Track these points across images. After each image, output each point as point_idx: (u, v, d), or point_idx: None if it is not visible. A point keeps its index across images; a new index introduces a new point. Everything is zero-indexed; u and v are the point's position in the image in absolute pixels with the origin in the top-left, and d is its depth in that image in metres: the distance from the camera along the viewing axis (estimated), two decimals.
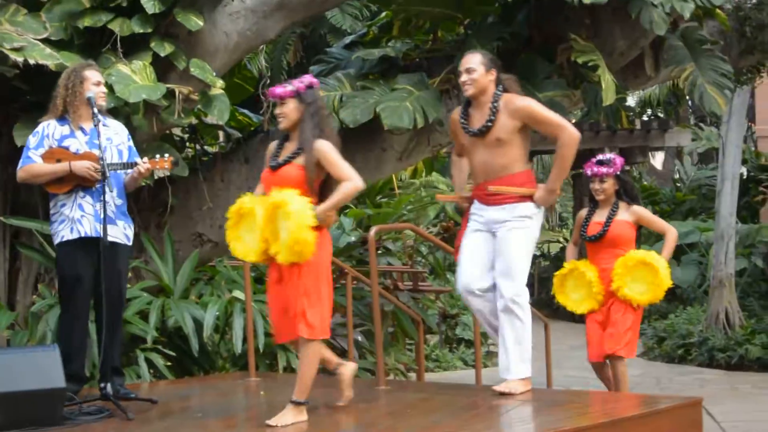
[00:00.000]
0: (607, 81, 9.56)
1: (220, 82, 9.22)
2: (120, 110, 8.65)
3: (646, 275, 8.09)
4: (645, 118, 23.99)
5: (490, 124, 6.78)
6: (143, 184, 7.13)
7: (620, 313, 8.14)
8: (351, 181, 6.29)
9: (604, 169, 8.18)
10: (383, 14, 12.04)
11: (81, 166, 6.85)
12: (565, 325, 16.82)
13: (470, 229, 7.06)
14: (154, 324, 8.53)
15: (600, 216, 8.28)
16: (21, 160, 7.07)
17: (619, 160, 8.28)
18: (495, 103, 6.79)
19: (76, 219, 6.92)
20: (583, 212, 8.46)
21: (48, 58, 8.34)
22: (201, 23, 9.07)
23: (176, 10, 8.96)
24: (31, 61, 8.28)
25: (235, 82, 10.66)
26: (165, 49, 8.95)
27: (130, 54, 8.94)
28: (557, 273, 8.44)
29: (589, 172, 8.25)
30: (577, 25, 10.19)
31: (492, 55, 7.15)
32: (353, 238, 12.10)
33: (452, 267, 14.45)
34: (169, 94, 8.88)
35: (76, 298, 7.09)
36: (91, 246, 6.96)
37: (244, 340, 8.67)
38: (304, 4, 9.99)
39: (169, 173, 7.38)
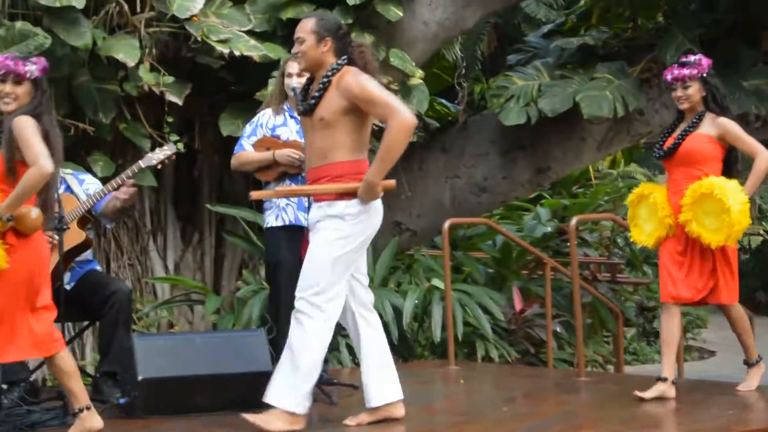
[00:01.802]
0: None
1: (419, 72, 9.27)
2: None
3: (715, 208, 6.40)
4: None
5: (313, 101, 5.66)
6: None
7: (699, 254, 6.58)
8: (35, 166, 5.04)
9: (686, 71, 6.64)
10: (581, 3, 11.92)
11: (283, 154, 6.95)
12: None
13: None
14: None
15: (680, 129, 6.79)
16: (235, 148, 7.24)
17: (705, 61, 6.71)
18: (326, 78, 5.65)
19: (281, 206, 7.04)
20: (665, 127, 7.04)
21: (252, 49, 8.54)
22: (400, 13, 9.14)
23: (376, 0, 9.05)
24: (236, 53, 8.51)
25: (433, 72, 10.71)
26: (365, 40, 9.04)
27: None
28: (628, 200, 6.97)
29: (669, 77, 6.72)
30: None
31: (333, 18, 6.09)
32: (549, 229, 12.01)
33: (649, 259, 14.21)
34: None
35: (278, 282, 7.23)
36: (295, 232, 7.07)
37: (443, 328, 8.69)
38: None
39: None
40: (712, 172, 6.52)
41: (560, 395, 6.74)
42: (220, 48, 8.50)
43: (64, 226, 6.16)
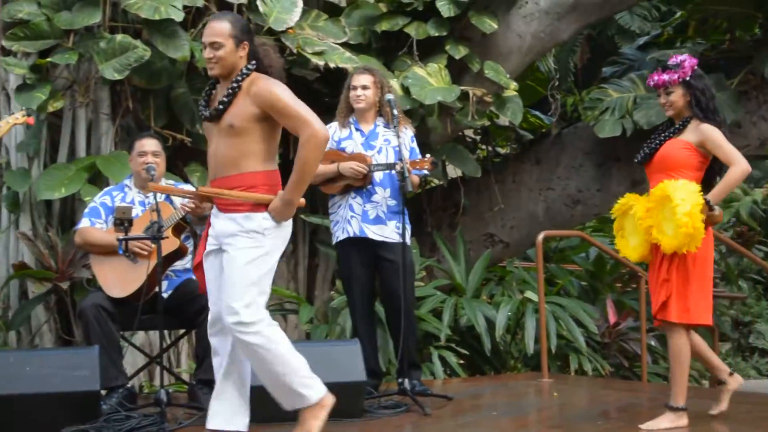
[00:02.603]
0: None
1: (513, 84, 9.26)
2: (415, 112, 8.82)
3: (670, 213, 5.95)
4: None
5: (221, 106, 5.34)
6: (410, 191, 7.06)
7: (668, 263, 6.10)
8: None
9: (666, 77, 6.18)
10: (678, 15, 11.80)
11: (347, 167, 6.99)
12: None
13: (207, 248, 5.54)
14: (448, 322, 8.64)
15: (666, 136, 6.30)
16: None
17: (689, 62, 6.18)
18: (236, 83, 5.34)
19: (346, 219, 7.08)
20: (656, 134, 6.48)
21: (347, 61, 8.59)
22: (495, 26, 9.15)
23: (471, 13, 9.07)
24: (331, 65, 8.57)
25: (527, 84, 10.68)
26: (459, 52, 9.08)
27: (425, 57, 9.11)
28: (614, 210, 6.41)
29: (650, 83, 6.29)
30: None
31: (241, 17, 5.67)
32: None
33: (744, 273, 14.01)
34: (463, 96, 9.01)
35: (353, 295, 7.28)
36: (363, 245, 7.10)
37: (536, 340, 8.65)
38: (598, 5, 9.90)
39: (428, 173, 7.33)
40: (689, 179, 6.03)
41: (654, 410, 6.62)
42: (315, 60, 8.57)
43: (163, 235, 6.25)
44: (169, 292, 6.80)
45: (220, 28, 5.35)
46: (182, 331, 7.63)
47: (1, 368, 6.06)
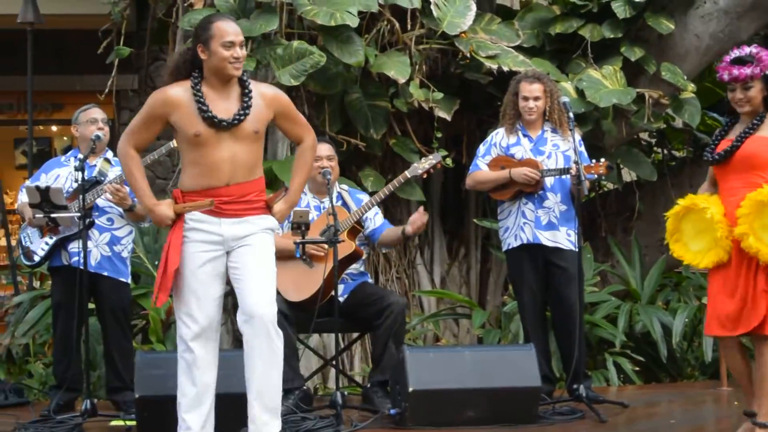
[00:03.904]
0: None
1: (691, 86, 9.08)
2: (589, 115, 8.73)
3: None
4: None
5: (245, 111, 5.33)
6: (586, 195, 6.91)
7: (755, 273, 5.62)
8: None
9: (747, 70, 5.66)
10: None
11: (520, 173, 6.94)
12: None
13: (202, 257, 5.45)
14: (623, 328, 8.50)
15: (734, 133, 5.81)
16: (470, 167, 7.28)
17: (765, 54, 5.70)
18: (247, 88, 5.40)
19: (519, 225, 7.03)
20: (717, 130, 5.99)
21: (521, 64, 8.53)
22: (672, 26, 8.98)
23: (647, 14, 8.93)
24: (505, 68, 8.52)
25: (704, 86, 10.42)
26: (635, 54, 8.94)
27: (600, 59, 9.00)
28: (670, 212, 5.88)
29: (725, 76, 5.73)
30: None
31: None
32: None
33: None
34: (639, 99, 8.88)
35: (524, 301, 7.22)
36: (534, 251, 7.04)
37: (714, 348, 8.45)
38: None
39: (603, 178, 7.21)
40: None
41: None
42: (488, 64, 8.55)
43: (339, 239, 6.32)
44: (345, 295, 6.87)
45: (239, 28, 5.37)
46: (356, 334, 7.71)
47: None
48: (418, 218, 6.82)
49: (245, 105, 5.31)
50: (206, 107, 5.26)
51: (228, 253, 5.34)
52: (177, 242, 5.30)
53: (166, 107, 5.31)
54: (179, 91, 5.31)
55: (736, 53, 5.74)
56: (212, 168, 5.27)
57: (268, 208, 5.41)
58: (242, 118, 5.28)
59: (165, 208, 5.35)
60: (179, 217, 5.34)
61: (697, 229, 5.71)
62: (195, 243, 5.31)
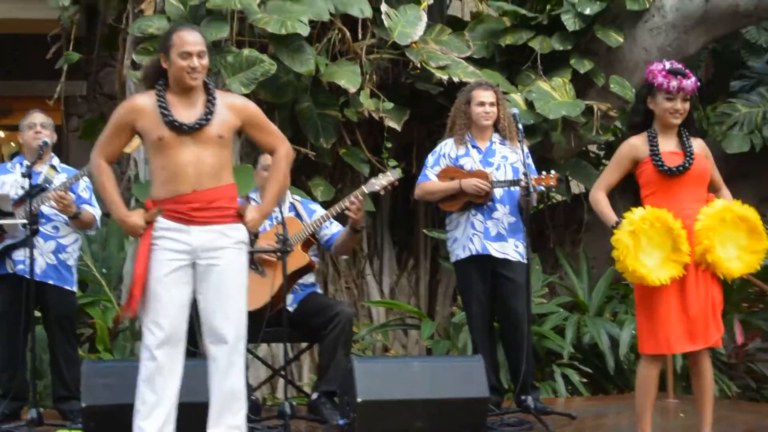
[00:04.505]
0: None
1: None
2: (538, 127, 8.77)
3: (740, 236, 5.56)
4: None
5: (208, 117, 5.30)
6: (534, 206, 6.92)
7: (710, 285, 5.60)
8: None
9: (689, 83, 5.56)
10: None
11: (470, 184, 6.94)
12: None
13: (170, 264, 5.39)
14: (570, 340, 8.53)
15: (668, 145, 5.62)
16: (419, 178, 7.27)
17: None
18: (211, 95, 5.36)
19: (468, 236, 7.02)
20: (637, 141, 5.67)
21: (471, 75, 8.56)
22: (621, 39, 9.06)
23: (596, 26, 9.00)
24: (455, 79, 8.55)
25: None
26: (584, 66, 9.00)
27: (549, 71, 9.06)
28: (619, 230, 5.48)
29: (672, 85, 5.55)
30: None
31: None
32: None
33: None
34: (588, 111, 8.94)
35: (472, 312, 7.22)
36: (483, 262, 7.04)
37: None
38: (727, 18, 9.69)
39: (553, 190, 7.22)
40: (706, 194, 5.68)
41: None
42: (438, 74, 8.57)
43: (288, 249, 6.28)
44: (295, 305, 6.84)
45: (201, 38, 5.33)
46: (305, 344, 7.67)
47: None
48: (352, 201, 6.73)
49: (208, 111, 5.30)
50: (168, 111, 5.26)
51: (195, 264, 5.28)
52: (145, 250, 5.29)
53: (132, 114, 5.33)
54: (144, 99, 5.36)
55: (668, 65, 5.65)
56: (176, 172, 5.24)
57: (239, 217, 5.36)
58: (204, 123, 5.26)
59: (136, 218, 5.33)
60: (150, 225, 5.31)
61: (652, 241, 5.46)
62: (163, 251, 5.26)
